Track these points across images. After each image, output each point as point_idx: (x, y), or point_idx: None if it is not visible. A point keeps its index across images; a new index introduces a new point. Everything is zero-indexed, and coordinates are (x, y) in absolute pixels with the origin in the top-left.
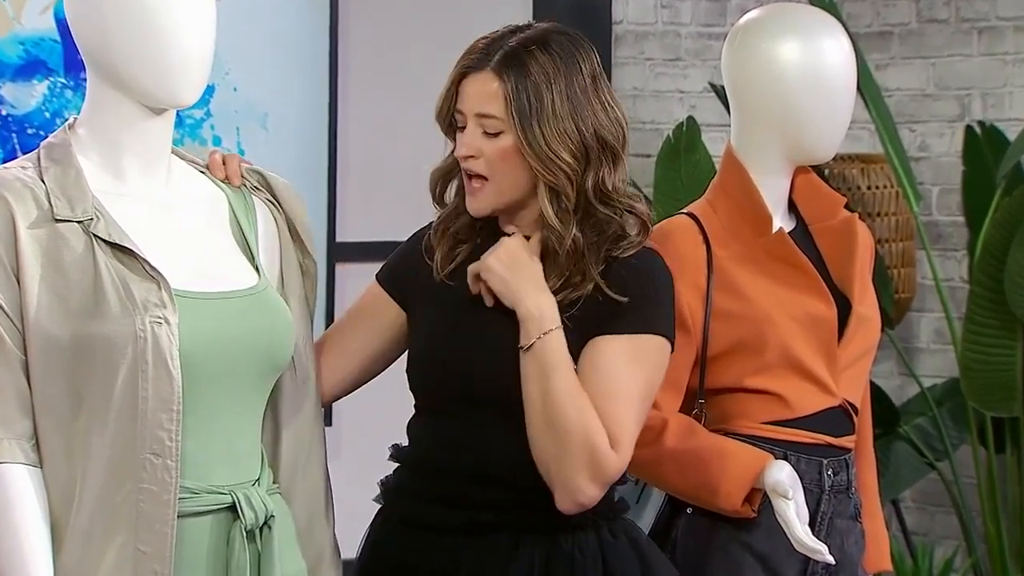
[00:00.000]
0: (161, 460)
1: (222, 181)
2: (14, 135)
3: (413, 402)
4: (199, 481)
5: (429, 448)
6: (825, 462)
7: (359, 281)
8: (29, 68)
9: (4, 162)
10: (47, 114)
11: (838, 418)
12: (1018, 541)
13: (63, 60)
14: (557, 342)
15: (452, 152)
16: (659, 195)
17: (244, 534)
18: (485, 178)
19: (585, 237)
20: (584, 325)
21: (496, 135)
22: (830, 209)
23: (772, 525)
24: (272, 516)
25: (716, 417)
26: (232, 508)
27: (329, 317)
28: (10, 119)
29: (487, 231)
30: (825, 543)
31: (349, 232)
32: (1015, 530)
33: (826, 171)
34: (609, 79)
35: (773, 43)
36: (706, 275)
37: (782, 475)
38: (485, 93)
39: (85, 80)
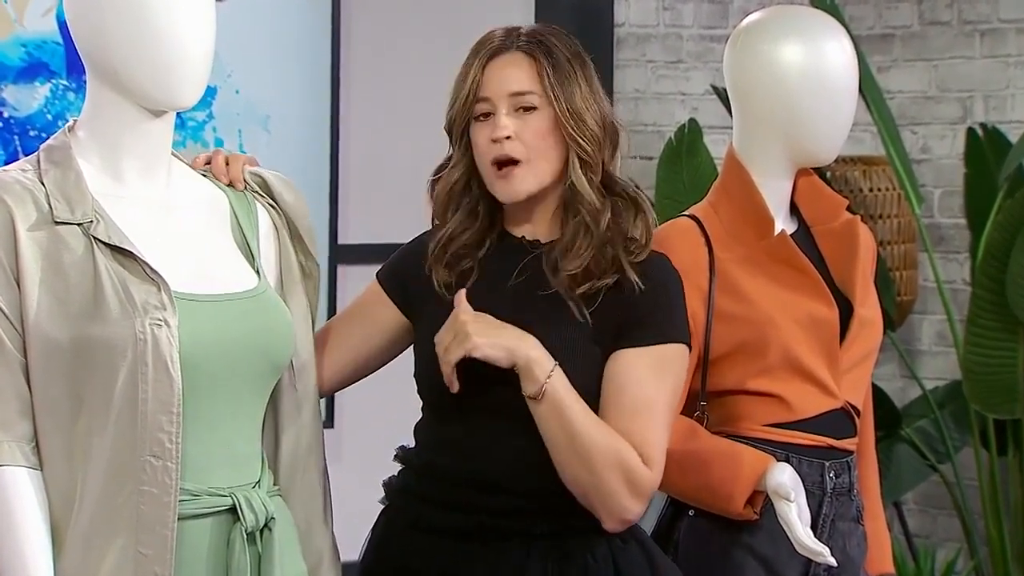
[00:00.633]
0: (161, 462)
1: (226, 185)
2: (16, 137)
3: (416, 404)
4: (199, 483)
5: (438, 452)
6: (827, 464)
7: (361, 283)
8: (31, 70)
9: (6, 164)
10: (49, 116)
11: (840, 420)
12: (1020, 543)
13: (65, 62)
14: (560, 377)
15: (453, 164)
16: (661, 197)
17: (244, 536)
18: (516, 163)
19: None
20: (602, 323)
21: (532, 112)
22: (832, 211)
23: (774, 527)
24: (272, 518)
25: (718, 419)
26: (232, 510)
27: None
28: (12, 121)
29: (493, 239)
30: (827, 545)
31: (351, 234)
32: (1017, 532)
33: (828, 173)
34: (611, 81)
35: (775, 45)
36: (708, 277)
37: (784, 477)
38: (517, 71)
39: (87, 82)
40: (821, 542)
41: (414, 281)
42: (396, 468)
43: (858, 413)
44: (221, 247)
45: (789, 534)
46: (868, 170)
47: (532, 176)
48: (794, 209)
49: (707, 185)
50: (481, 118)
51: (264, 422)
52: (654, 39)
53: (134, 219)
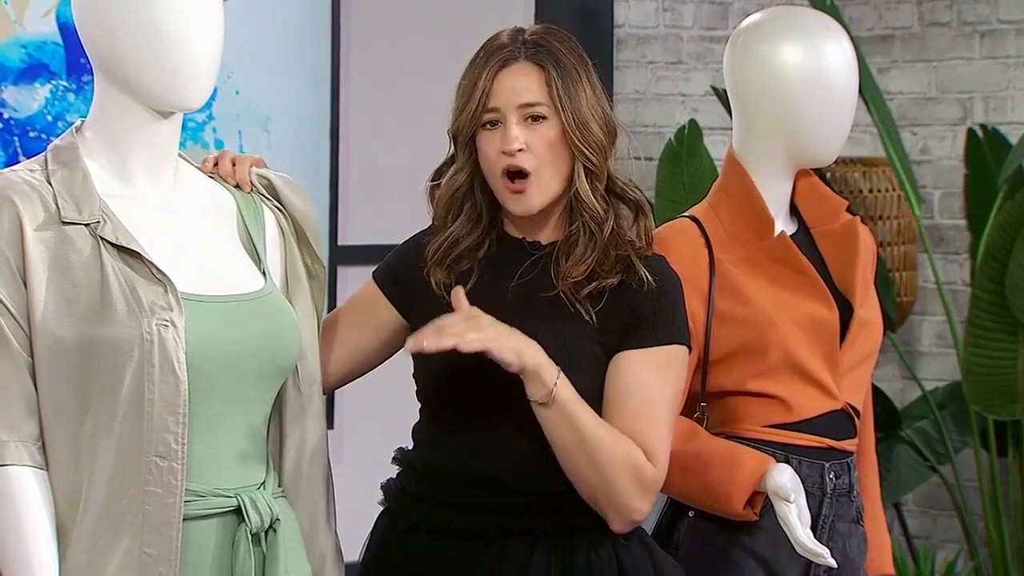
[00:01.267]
0: (167, 463)
1: (232, 187)
2: (16, 139)
3: (416, 405)
4: (205, 484)
5: (439, 452)
6: (827, 465)
7: (361, 284)
8: (31, 71)
9: (6, 166)
10: (49, 117)
11: (840, 421)
12: (1020, 544)
13: (65, 63)
14: (565, 381)
15: (457, 170)
16: (661, 198)
17: (249, 537)
18: (526, 176)
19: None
20: (606, 323)
21: (540, 121)
22: (832, 212)
23: (774, 528)
24: (277, 519)
25: (718, 420)
26: (237, 511)
27: None
28: (12, 122)
29: (492, 240)
30: (827, 546)
31: (351, 235)
32: (1017, 533)
33: (828, 174)
34: (611, 82)
35: (775, 46)
36: (708, 278)
37: (784, 478)
38: (526, 82)
39: (87, 83)
40: (821, 543)
41: (412, 281)
42: (396, 470)
43: (858, 414)
44: (228, 248)
45: (789, 535)
46: (868, 171)
47: (542, 190)
48: (794, 210)
49: (707, 186)
50: (488, 126)
51: (269, 424)
52: (654, 40)
53: (141, 220)
